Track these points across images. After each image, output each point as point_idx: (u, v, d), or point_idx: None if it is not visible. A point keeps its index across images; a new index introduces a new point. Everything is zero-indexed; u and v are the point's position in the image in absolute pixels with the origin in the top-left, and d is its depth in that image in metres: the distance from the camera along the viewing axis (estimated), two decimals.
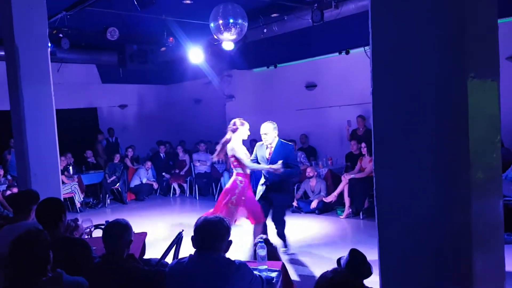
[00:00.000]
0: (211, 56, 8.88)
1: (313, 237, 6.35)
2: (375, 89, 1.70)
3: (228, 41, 6.30)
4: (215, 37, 5.95)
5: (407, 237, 1.65)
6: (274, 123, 5.27)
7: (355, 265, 2.45)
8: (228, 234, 2.31)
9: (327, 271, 1.98)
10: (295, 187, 8.25)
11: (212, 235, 2.27)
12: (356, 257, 2.55)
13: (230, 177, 9.15)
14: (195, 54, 8.37)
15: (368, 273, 2.45)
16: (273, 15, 7.12)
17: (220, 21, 5.63)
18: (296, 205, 7.88)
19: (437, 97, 1.53)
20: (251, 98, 10.73)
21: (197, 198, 9.73)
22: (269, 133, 5.17)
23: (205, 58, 8.68)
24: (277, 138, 5.22)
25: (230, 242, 2.33)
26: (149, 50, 9.25)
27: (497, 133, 1.58)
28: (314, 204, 7.67)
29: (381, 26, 1.62)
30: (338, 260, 2.61)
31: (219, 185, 9.47)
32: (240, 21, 5.51)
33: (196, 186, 9.85)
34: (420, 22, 1.52)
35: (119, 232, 2.52)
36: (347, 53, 8.73)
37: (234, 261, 2.28)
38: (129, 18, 7.26)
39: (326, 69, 9.53)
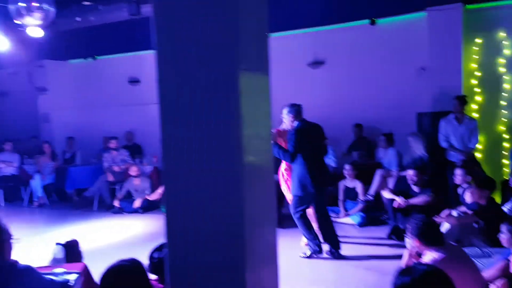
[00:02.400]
0: (18, 44, 7.80)
1: (135, 235, 6.19)
2: (161, 93, 1.74)
3: (33, 27, 5.62)
4: (16, 22, 5.25)
5: (190, 223, 1.73)
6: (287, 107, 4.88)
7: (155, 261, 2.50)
8: (3, 234, 2.06)
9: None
10: (117, 187, 7.91)
11: None
12: (162, 249, 2.59)
13: (42, 179, 8.33)
14: None
15: None
16: (84, 3, 6.64)
17: (21, 4, 5.00)
18: (118, 206, 7.56)
19: (215, 88, 1.63)
20: (68, 92, 9.85)
21: (3, 204, 8.49)
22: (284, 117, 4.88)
23: (10, 45, 7.57)
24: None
25: (9, 244, 2.08)
26: None
27: (268, 121, 1.78)
28: (137, 203, 7.48)
29: (165, 31, 1.67)
30: (150, 254, 2.61)
31: (29, 189, 8.43)
32: (45, 5, 4.99)
33: (1, 191, 8.57)
34: (200, 25, 1.61)
35: None
36: None
37: (16, 265, 2.04)
38: None
39: (150, 64, 9.33)
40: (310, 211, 4.85)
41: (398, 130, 6.71)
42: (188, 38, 1.64)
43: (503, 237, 3.25)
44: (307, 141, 4.68)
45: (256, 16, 1.71)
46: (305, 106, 7.49)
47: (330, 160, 6.61)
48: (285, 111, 4.89)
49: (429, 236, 2.92)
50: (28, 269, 2.05)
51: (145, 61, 9.41)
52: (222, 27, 1.57)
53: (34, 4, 4.98)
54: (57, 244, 2.62)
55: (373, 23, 7.22)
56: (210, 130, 1.63)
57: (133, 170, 7.75)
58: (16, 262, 2.06)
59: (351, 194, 6.33)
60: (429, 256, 2.84)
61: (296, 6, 7.24)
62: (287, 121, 4.89)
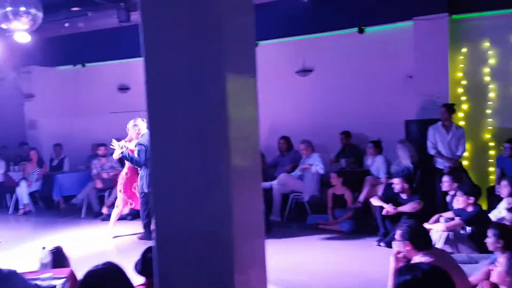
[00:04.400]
0: (4, 49, 7.73)
1: (124, 243, 6.13)
2: (149, 99, 1.75)
3: (20, 32, 5.58)
4: (3, 26, 5.21)
5: (177, 238, 1.74)
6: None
7: (148, 261, 2.47)
8: None
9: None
10: (106, 194, 7.83)
11: None
12: (148, 253, 2.57)
13: (28, 186, 8.22)
14: None
15: None
16: (73, 9, 6.62)
17: (8, 8, 4.96)
18: (107, 213, 7.47)
19: (200, 90, 1.64)
20: (56, 99, 9.75)
21: None
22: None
23: None
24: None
25: None
26: None
27: (255, 123, 1.78)
28: (125, 210, 7.39)
29: (152, 37, 1.69)
30: (135, 265, 2.58)
31: (14, 196, 8.29)
32: (33, 10, 4.96)
33: None
34: (186, 30, 1.63)
35: None
36: None
37: (1, 270, 2.00)
38: None
39: (139, 72, 9.28)
40: None
41: (386, 138, 6.76)
42: (175, 43, 1.65)
43: (489, 241, 3.29)
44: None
45: (242, 20, 1.72)
46: (294, 113, 7.55)
47: (318, 167, 6.63)
48: (131, 124, 6.16)
49: (420, 240, 2.94)
50: (13, 274, 2.02)
51: (134, 68, 9.39)
52: (208, 32, 1.58)
53: (21, 8, 4.95)
54: (43, 248, 2.58)
55: (361, 31, 7.31)
56: (197, 132, 1.63)
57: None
58: None
59: (339, 201, 6.35)
60: (418, 260, 2.85)
61: (285, 13, 7.30)
62: (133, 133, 6.09)
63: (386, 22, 7.16)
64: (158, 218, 1.75)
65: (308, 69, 7.71)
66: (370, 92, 7.34)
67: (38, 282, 2.35)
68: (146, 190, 5.75)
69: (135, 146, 5.79)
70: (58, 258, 2.80)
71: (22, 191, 8.20)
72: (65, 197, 8.22)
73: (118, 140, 5.92)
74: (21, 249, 5.72)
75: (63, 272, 2.64)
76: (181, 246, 1.68)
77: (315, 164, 6.61)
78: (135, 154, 5.75)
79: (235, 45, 1.63)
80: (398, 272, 1.66)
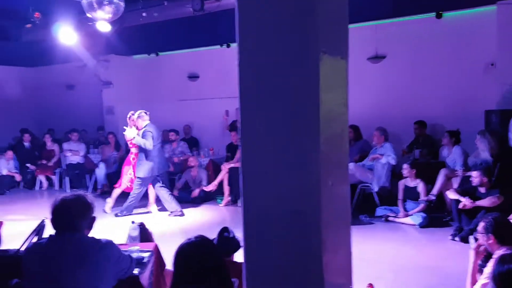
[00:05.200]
0: (86, 38, 8.25)
1: (192, 224, 6.37)
2: (241, 84, 1.76)
3: (103, 21, 5.93)
4: (88, 15, 5.55)
5: (266, 218, 1.75)
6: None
7: (224, 240, 2.55)
8: (90, 210, 2.21)
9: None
10: (176, 177, 8.17)
11: (70, 213, 2.16)
12: (224, 232, 2.65)
13: (106, 167, 8.78)
14: (66, 34, 7.68)
15: (237, 246, 2.57)
16: None
17: None
18: (177, 195, 7.80)
19: (292, 72, 1.63)
20: (131, 86, 10.27)
21: (69, 191, 9.02)
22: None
23: (79, 40, 8.02)
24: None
25: (93, 219, 2.22)
26: (11, 25, 8.22)
27: (345, 105, 1.76)
28: (195, 194, 7.68)
29: (247, 20, 1.70)
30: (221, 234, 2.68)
31: (93, 177, 8.90)
32: (116, 0, 5.23)
33: (67, 178, 9.13)
34: (276, 10, 1.62)
35: None
36: (228, 46, 8.89)
37: (99, 240, 2.18)
38: None
39: (208, 60, 9.58)
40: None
41: (464, 128, 6.39)
42: (270, 26, 1.65)
43: None
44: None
45: (336, 1, 1.69)
46: (364, 101, 7.33)
47: (389, 158, 6.42)
48: (136, 115, 6.71)
49: (505, 233, 2.79)
50: (110, 243, 2.18)
51: (204, 57, 9.66)
52: (302, 12, 1.57)
53: None
54: (133, 222, 2.76)
55: (439, 16, 6.92)
56: (288, 113, 1.63)
57: (191, 162, 7.97)
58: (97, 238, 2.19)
59: (411, 193, 6.12)
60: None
61: None
62: (141, 123, 6.62)
63: (466, 6, 6.73)
64: (247, 199, 1.78)
65: (381, 55, 7.46)
66: (448, 80, 6.96)
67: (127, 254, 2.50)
68: (142, 176, 6.58)
69: (144, 132, 6.51)
70: (143, 233, 2.97)
71: (101, 172, 8.77)
72: None
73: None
74: (101, 224, 6.13)
75: (149, 246, 2.81)
76: (268, 226, 1.71)
77: (387, 154, 6.41)
78: (143, 139, 6.48)
79: (329, 26, 1.61)
80: (501, 260, 1.57)
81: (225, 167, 7.59)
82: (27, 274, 2.15)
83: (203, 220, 6.64)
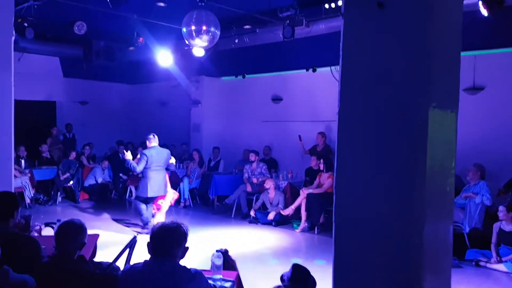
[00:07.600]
0: (180, 60, 8.82)
1: (268, 248, 6.39)
2: (341, 108, 1.75)
3: (199, 48, 6.28)
4: (187, 42, 5.91)
5: (361, 253, 1.70)
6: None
7: (299, 279, 2.49)
8: (185, 240, 2.29)
9: None
10: (254, 198, 8.28)
11: (168, 241, 2.25)
12: (298, 271, 2.57)
13: (189, 182, 9.19)
14: (164, 57, 8.30)
15: (313, 286, 2.50)
16: (245, 27, 7.19)
17: (193, 27, 5.61)
18: (254, 216, 7.90)
19: (400, 122, 1.59)
20: (217, 106, 10.73)
21: None
22: None
23: (174, 62, 8.61)
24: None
25: (187, 248, 2.31)
26: (117, 48, 9.06)
27: (452, 160, 1.67)
28: (271, 216, 7.71)
29: (352, 51, 1.68)
30: (282, 277, 2.62)
31: (177, 190, 9.32)
32: (212, 29, 5.52)
33: None
34: (389, 51, 1.59)
35: (73, 233, 2.45)
36: (314, 70, 8.93)
37: (190, 269, 2.26)
38: (98, 13, 7.09)
39: (293, 84, 9.69)
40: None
41: None
42: (374, 56, 1.62)
43: None
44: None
45: (449, 56, 1.63)
46: (458, 134, 6.86)
47: (484, 198, 5.94)
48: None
49: None
50: (199, 274, 2.26)
51: (289, 80, 9.79)
52: (416, 63, 1.53)
53: (203, 27, 5.55)
54: (217, 251, 2.84)
55: None
56: (393, 164, 1.59)
57: (269, 184, 8.04)
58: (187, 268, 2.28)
59: (507, 238, 5.58)
60: None
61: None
62: (147, 144, 6.91)
63: None
64: (339, 246, 1.75)
65: (479, 87, 6.99)
66: None
67: (210, 282, 2.57)
68: (141, 195, 6.88)
69: (141, 154, 6.83)
70: (226, 260, 3.03)
71: (184, 187, 9.18)
72: (219, 196, 8.94)
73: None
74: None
75: (231, 275, 2.85)
76: (363, 275, 1.66)
77: (481, 194, 5.94)
78: (134, 161, 6.78)
79: (441, 78, 1.55)
80: None
81: (304, 192, 7.54)
82: None
83: (278, 244, 6.63)
